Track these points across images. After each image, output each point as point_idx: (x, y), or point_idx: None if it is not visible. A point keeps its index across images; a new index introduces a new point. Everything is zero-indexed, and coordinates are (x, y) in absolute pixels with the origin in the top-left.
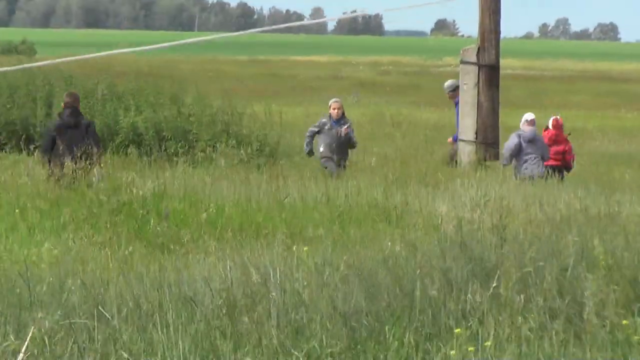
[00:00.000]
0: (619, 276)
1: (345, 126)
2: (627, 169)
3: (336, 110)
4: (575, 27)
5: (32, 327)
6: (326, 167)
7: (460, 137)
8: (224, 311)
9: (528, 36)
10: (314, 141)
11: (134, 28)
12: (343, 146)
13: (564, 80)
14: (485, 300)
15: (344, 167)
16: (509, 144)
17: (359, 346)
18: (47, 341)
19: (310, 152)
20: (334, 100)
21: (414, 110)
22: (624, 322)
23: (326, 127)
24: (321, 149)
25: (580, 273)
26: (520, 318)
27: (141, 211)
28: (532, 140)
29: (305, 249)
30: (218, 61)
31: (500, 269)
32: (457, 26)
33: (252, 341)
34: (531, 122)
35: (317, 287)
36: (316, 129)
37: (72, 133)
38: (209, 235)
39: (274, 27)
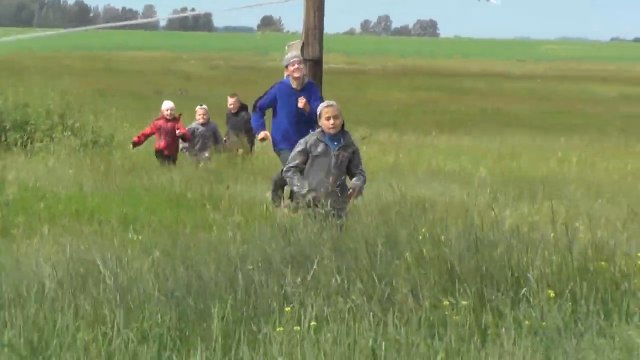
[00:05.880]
0: (433, 259)
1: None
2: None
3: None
4: (396, 23)
5: None
6: None
7: None
8: (60, 295)
9: (350, 32)
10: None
11: None
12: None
13: (386, 75)
14: (305, 282)
15: None
16: None
17: (185, 325)
18: None
19: None
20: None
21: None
22: (445, 302)
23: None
24: None
25: (392, 257)
26: (339, 299)
27: None
28: None
29: (138, 237)
30: (59, 57)
31: (317, 253)
32: (282, 23)
33: (88, 321)
34: None
35: (148, 270)
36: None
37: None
38: (47, 222)
39: (110, 24)
